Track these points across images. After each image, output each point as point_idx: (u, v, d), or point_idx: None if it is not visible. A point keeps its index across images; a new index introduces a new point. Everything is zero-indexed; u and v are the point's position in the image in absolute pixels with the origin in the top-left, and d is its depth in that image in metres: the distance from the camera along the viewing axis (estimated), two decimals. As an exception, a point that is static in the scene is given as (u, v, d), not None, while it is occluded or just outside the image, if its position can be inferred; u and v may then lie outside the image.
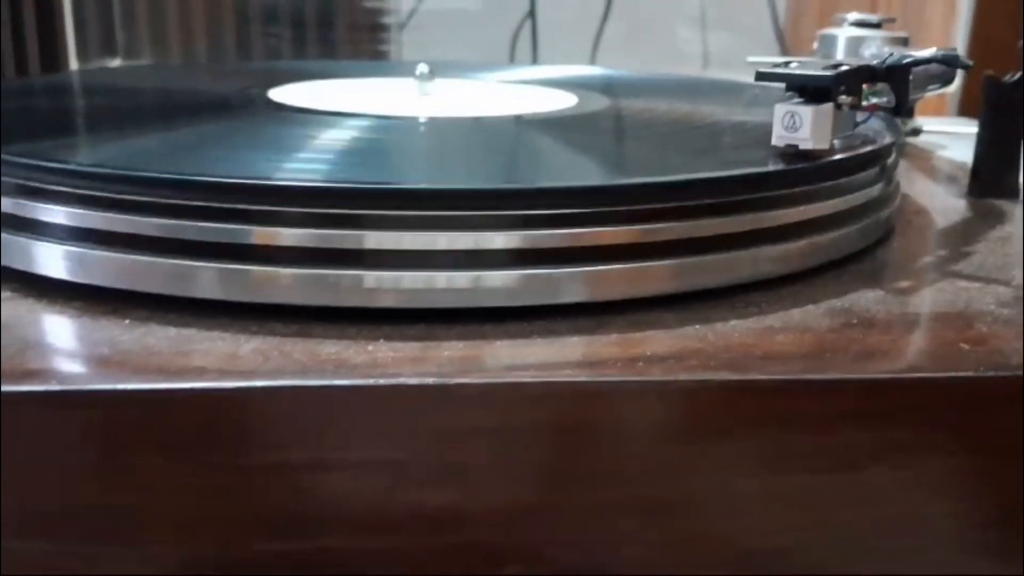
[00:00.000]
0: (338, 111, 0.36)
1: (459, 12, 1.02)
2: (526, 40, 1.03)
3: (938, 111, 0.69)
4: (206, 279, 0.24)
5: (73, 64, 0.72)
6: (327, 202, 0.24)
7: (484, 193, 0.25)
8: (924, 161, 0.48)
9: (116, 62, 0.82)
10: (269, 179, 0.25)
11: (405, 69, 0.43)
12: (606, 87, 0.46)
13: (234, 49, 0.88)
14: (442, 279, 0.24)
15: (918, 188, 0.41)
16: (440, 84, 0.42)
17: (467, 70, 0.49)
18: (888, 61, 0.28)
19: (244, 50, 0.88)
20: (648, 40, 1.05)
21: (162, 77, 0.51)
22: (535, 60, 1.02)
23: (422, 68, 0.41)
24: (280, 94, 0.39)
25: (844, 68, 0.26)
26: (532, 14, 1.02)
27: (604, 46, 1.01)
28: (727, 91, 0.46)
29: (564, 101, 0.40)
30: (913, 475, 0.23)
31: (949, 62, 0.28)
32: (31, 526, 0.21)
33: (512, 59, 1.02)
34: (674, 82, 0.50)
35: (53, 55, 0.71)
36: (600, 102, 0.40)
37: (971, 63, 0.29)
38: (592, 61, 1.00)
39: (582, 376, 0.22)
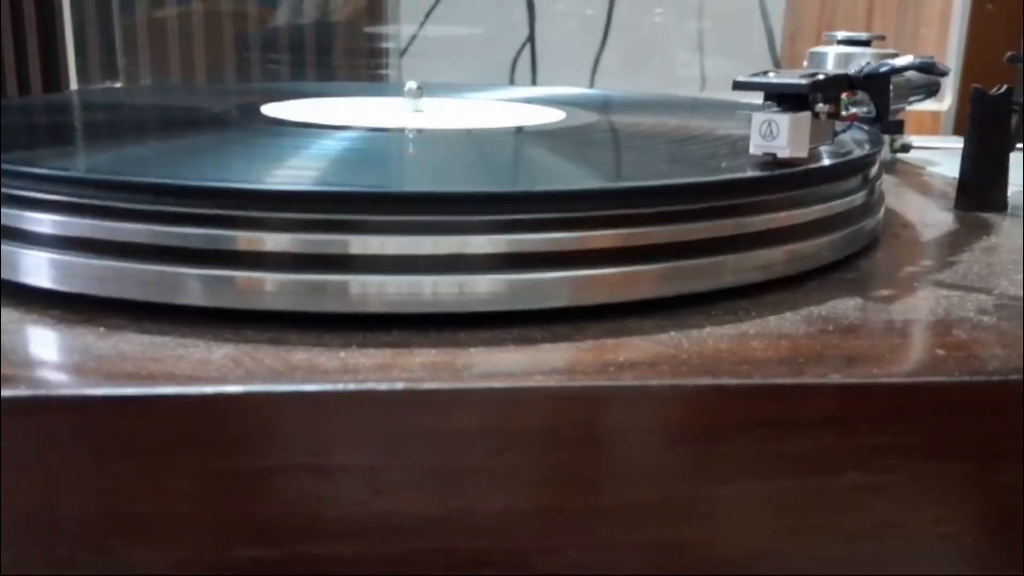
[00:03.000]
0: (327, 123, 0.36)
1: (459, 38, 1.03)
2: (526, 65, 1.03)
3: (932, 130, 0.69)
4: (187, 286, 0.24)
5: (74, 87, 0.73)
6: (310, 207, 0.24)
7: (467, 197, 0.25)
8: (914, 177, 0.48)
9: (117, 85, 0.83)
10: (249, 184, 0.25)
11: (399, 89, 0.43)
12: (596, 104, 0.46)
13: (233, 74, 0.89)
14: (426, 284, 0.24)
15: (907, 203, 0.41)
16: (430, 102, 0.42)
17: (458, 90, 0.49)
18: (865, 70, 0.28)
19: (243, 75, 0.89)
20: (646, 64, 1.06)
21: (156, 96, 0.52)
22: (534, 85, 1.02)
23: (411, 85, 0.41)
24: (272, 110, 0.40)
25: (820, 76, 0.27)
26: (531, 39, 1.03)
27: (602, 70, 1.01)
28: (714, 108, 0.46)
29: (552, 116, 0.40)
30: (890, 480, 0.23)
31: (926, 69, 0.28)
32: (8, 532, 0.21)
33: (512, 84, 1.03)
34: (663, 100, 0.50)
35: (55, 78, 0.72)
36: (588, 117, 0.40)
37: (948, 69, 0.29)
38: (591, 85, 1.01)
39: (551, 382, 0.22)
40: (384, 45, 0.97)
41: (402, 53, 0.99)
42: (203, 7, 0.88)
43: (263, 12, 0.93)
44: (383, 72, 0.97)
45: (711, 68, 1.02)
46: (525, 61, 1.03)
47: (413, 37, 1.00)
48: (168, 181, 0.25)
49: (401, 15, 1.00)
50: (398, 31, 0.99)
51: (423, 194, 0.25)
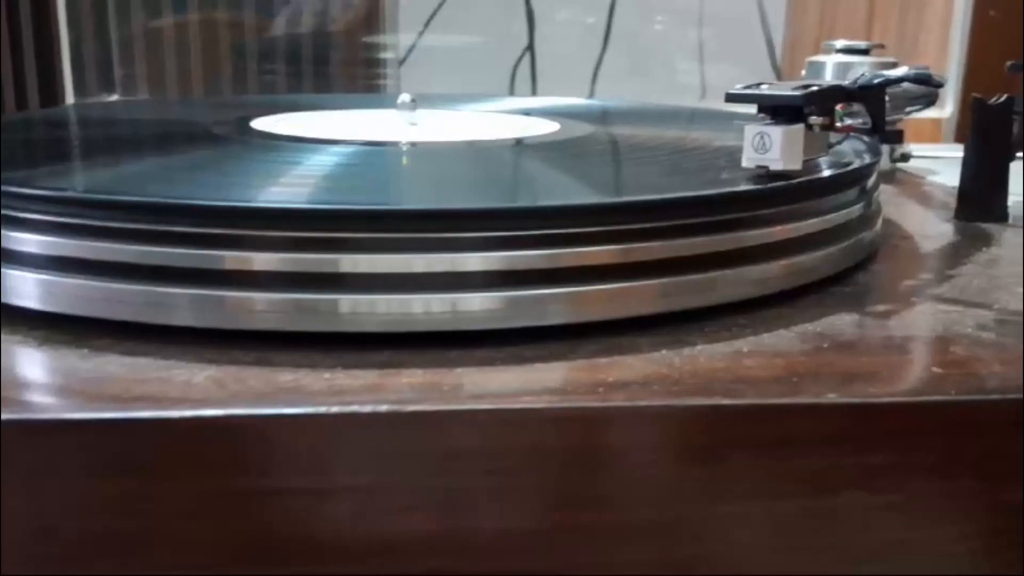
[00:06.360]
0: (320, 138, 0.35)
1: (458, 47, 1.03)
2: (526, 74, 1.03)
3: (933, 138, 0.69)
4: (174, 306, 0.24)
5: (71, 100, 0.73)
6: (299, 224, 0.24)
7: (459, 214, 0.25)
8: (914, 186, 0.47)
9: (114, 98, 0.83)
10: (237, 202, 0.25)
11: (393, 101, 0.43)
12: (593, 115, 0.45)
13: (231, 86, 0.88)
14: (418, 302, 0.24)
15: (907, 213, 0.41)
16: (426, 113, 0.42)
17: (455, 101, 0.49)
18: (860, 81, 0.27)
19: (241, 87, 0.89)
20: (646, 73, 1.05)
21: (148, 110, 0.52)
22: (534, 94, 1.02)
23: (404, 97, 0.41)
24: (266, 124, 0.39)
25: (814, 88, 0.26)
26: (531, 48, 1.02)
27: (603, 79, 1.01)
28: (712, 118, 0.46)
29: (548, 128, 0.40)
30: (893, 500, 0.22)
31: (922, 80, 0.28)
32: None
33: (512, 93, 1.02)
34: (660, 110, 0.50)
35: (52, 92, 0.72)
36: (584, 129, 0.40)
37: (944, 81, 0.29)
38: (591, 94, 1.00)
39: (541, 403, 0.21)
40: (382, 55, 0.97)
41: (401, 63, 0.99)
42: (199, 17, 0.88)
43: (261, 22, 0.92)
44: (381, 82, 0.97)
45: (711, 76, 1.02)
46: (525, 70, 1.02)
47: (412, 47, 1.00)
48: (152, 199, 0.25)
49: (400, 24, 0.99)
50: (396, 41, 0.99)
51: (414, 211, 0.25)
